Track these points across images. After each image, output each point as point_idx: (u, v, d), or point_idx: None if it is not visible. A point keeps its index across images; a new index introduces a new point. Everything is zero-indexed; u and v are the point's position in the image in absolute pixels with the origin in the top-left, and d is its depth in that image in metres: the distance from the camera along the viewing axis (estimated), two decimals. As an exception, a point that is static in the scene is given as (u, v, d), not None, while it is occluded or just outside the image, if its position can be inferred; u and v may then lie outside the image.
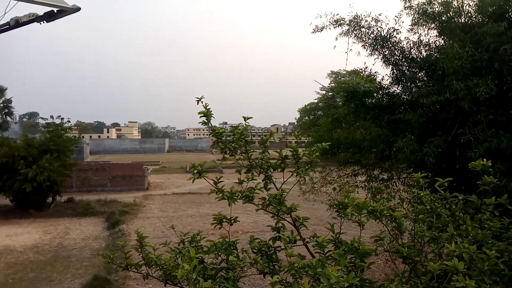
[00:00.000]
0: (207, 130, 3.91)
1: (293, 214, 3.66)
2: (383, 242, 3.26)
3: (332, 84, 35.48)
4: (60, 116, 29.59)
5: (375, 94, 10.71)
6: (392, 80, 10.55)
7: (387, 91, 10.75)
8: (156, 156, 77.59)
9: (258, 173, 3.64)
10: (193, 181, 3.65)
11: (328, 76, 42.46)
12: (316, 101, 43.88)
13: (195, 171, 3.55)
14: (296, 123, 64.66)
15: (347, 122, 12.38)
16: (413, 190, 3.39)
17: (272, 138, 3.83)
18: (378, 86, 10.88)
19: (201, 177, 3.63)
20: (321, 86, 41.16)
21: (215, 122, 3.81)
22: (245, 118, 3.65)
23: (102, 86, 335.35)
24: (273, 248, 3.46)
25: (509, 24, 7.61)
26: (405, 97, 10.15)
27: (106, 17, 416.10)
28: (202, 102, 3.63)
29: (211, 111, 3.65)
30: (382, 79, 10.85)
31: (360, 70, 11.45)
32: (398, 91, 10.60)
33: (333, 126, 12.78)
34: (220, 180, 3.59)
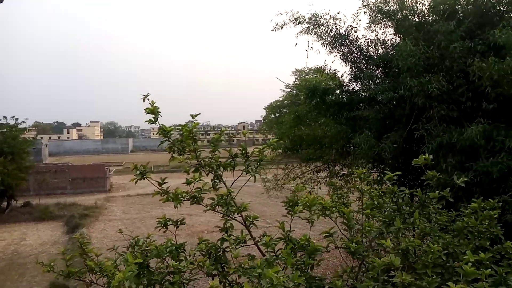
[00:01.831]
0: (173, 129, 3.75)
1: (246, 213, 3.60)
2: (333, 238, 3.26)
3: (297, 82, 35.76)
4: (14, 116, 28.07)
5: (337, 91, 10.85)
6: (351, 77, 10.72)
7: (346, 88, 10.92)
8: (119, 156, 75.72)
9: (206, 172, 3.55)
10: (135, 183, 3.52)
11: (293, 74, 42.67)
12: (281, 98, 44.01)
13: (138, 172, 3.43)
14: (262, 121, 64.72)
15: (309, 119, 12.48)
16: (357, 186, 3.41)
17: (222, 136, 3.74)
18: (338, 84, 11.04)
19: (144, 178, 3.51)
20: (285, 84, 41.33)
21: (181, 121, 3.67)
22: (193, 116, 3.55)
23: (63, 85, 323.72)
24: (221, 249, 3.38)
25: (458, 23, 7.89)
26: (363, 94, 10.32)
27: (65, 9, 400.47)
28: (148, 99, 3.49)
29: (158, 108, 3.52)
30: (341, 76, 11.02)
31: (322, 68, 11.58)
32: (357, 88, 10.80)
33: (295, 123, 12.85)
34: (165, 181, 3.49)
